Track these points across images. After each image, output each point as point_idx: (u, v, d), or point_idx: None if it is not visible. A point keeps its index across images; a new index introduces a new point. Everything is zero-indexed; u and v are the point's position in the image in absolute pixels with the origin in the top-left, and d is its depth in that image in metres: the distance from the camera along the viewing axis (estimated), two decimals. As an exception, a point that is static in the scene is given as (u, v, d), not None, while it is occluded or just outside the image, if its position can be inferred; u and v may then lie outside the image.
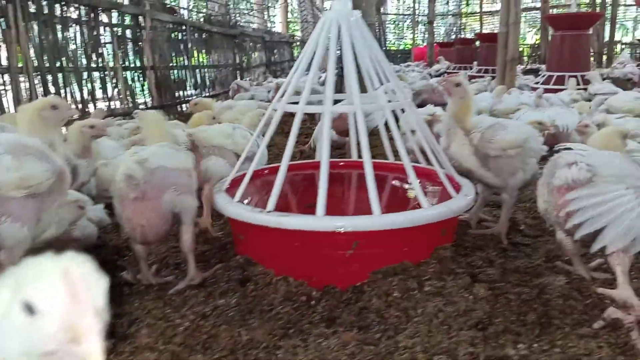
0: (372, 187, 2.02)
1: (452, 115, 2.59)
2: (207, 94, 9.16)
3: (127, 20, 6.80)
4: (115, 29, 6.49)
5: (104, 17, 6.21)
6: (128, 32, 6.85)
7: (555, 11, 18.34)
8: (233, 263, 2.23)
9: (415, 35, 23.69)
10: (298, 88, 2.40)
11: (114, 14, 6.46)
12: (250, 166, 2.35)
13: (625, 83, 10.00)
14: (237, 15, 12.70)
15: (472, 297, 1.97)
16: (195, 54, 8.91)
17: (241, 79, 10.47)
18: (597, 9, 15.64)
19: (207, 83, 9.34)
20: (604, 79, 10.36)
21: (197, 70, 8.90)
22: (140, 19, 6.97)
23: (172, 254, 2.58)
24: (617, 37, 19.73)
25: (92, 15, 5.86)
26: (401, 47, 25.29)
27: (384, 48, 11.38)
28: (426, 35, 18.81)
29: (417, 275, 2.04)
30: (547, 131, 3.59)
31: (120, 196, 2.07)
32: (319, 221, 1.96)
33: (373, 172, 2.05)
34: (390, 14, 25.43)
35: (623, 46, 20.69)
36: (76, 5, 5.58)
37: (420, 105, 5.90)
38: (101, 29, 6.15)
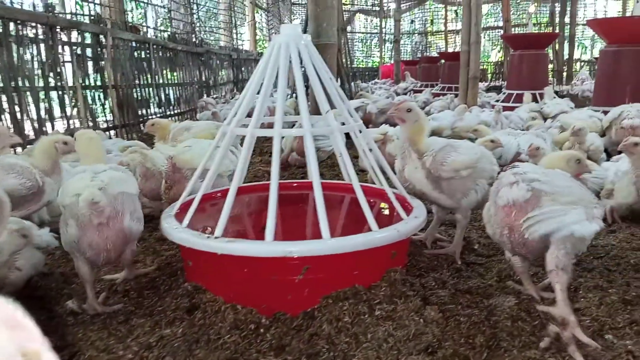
0: (321, 210, 2.00)
1: (407, 139, 2.61)
2: (172, 113, 9.07)
3: (88, 38, 6.69)
4: (74, 47, 6.37)
5: (63, 36, 6.10)
6: (89, 51, 6.74)
7: (517, 30, 18.90)
8: (181, 291, 2.17)
9: (383, 53, 24.07)
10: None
11: (73, 33, 6.34)
12: (200, 190, 2.31)
13: (583, 101, 10.34)
14: (204, 33, 12.66)
15: (422, 320, 1.95)
16: (160, 72, 8.81)
17: (207, 96, 10.41)
18: (557, 28, 16.20)
19: (172, 101, 9.25)
20: (563, 96, 10.70)
21: (162, 89, 8.80)
22: (101, 37, 6.87)
23: (121, 281, 2.50)
24: (576, 55, 20.45)
25: (50, 34, 5.74)
26: (369, 65, 25.67)
27: (351, 66, 11.49)
28: (393, 54, 19.12)
29: (367, 299, 2.02)
30: (499, 147, 3.66)
31: (82, 222, 2.03)
32: (267, 247, 1.93)
33: (322, 195, 2.04)
34: (357, 32, 25.81)
35: (582, 64, 21.44)
36: (33, 24, 5.47)
37: (384, 123, 5.98)
38: (60, 47, 6.03)
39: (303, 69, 2.38)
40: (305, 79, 2.43)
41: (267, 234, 1.96)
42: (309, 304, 2.00)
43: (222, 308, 2.01)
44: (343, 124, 2.43)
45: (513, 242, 2.04)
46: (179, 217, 2.30)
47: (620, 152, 3.47)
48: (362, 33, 26.24)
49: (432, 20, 25.07)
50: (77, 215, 2.02)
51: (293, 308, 2.00)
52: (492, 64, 21.82)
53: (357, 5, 24.85)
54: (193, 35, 10.86)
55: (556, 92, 10.62)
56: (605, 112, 5.14)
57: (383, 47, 23.96)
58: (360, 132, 2.43)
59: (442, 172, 2.52)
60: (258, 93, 2.42)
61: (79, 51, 6.46)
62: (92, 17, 6.91)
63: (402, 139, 2.64)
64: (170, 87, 9.21)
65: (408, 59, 21.83)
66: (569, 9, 16.48)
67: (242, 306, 2.00)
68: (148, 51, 8.29)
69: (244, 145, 2.18)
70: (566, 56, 16.69)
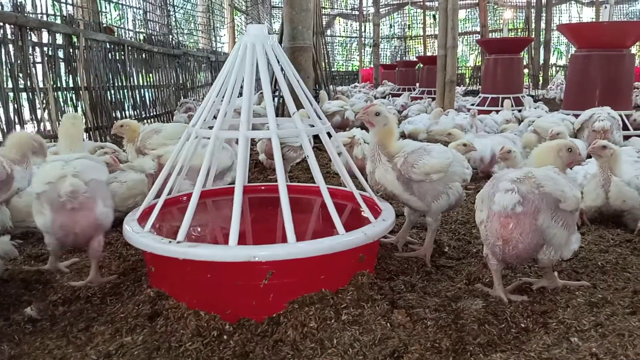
0: (286, 213, 1.96)
1: (377, 142, 2.59)
2: (148, 115, 8.93)
3: (60, 39, 6.54)
4: (45, 48, 6.23)
5: (33, 36, 5.96)
6: (61, 52, 6.59)
7: (494, 35, 19.15)
8: (143, 297, 2.11)
9: (363, 57, 24.16)
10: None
11: (45, 33, 6.20)
12: (163, 193, 2.26)
13: (560, 104, 10.51)
14: (181, 35, 12.53)
15: (389, 324, 1.93)
16: (136, 74, 8.67)
17: (184, 98, 10.30)
18: (533, 34, 16.45)
19: (148, 104, 9.11)
20: (539, 100, 10.84)
21: (137, 91, 8.67)
22: (74, 38, 6.73)
23: (84, 287, 2.43)
24: (552, 60, 20.80)
25: (20, 34, 5.60)
26: (349, 69, 25.76)
27: (330, 69, 11.50)
28: (372, 57, 19.20)
29: (334, 304, 1.99)
30: (472, 151, 3.67)
31: (56, 205, 2.20)
32: (230, 251, 1.88)
33: (288, 198, 2.00)
34: (337, 36, 25.87)
35: (558, 69, 21.81)
36: (1, 24, 5.33)
37: (361, 126, 5.97)
38: (30, 48, 5.88)
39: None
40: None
41: (230, 239, 1.91)
42: (274, 310, 1.96)
43: (185, 314, 1.96)
44: (312, 126, 2.40)
45: (506, 253, 2.10)
46: (141, 221, 2.24)
47: (590, 156, 3.50)
48: (342, 37, 26.31)
49: (409, 25, 25.27)
50: (52, 200, 2.18)
51: (258, 314, 1.96)
52: (470, 68, 22.05)
53: (336, 9, 24.91)
54: (170, 37, 10.73)
55: (532, 96, 10.79)
56: (576, 116, 5.21)
57: (363, 51, 24.06)
58: (329, 134, 2.40)
59: (413, 175, 2.50)
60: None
61: (50, 52, 6.31)
62: (64, 18, 6.77)
63: (372, 142, 2.62)
64: (146, 89, 9.07)
65: (387, 63, 21.95)
66: (544, 14, 16.75)
67: (206, 312, 1.95)
68: (123, 53, 8.16)
69: (208, 148, 2.14)
70: (542, 61, 16.97)
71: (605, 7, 6.40)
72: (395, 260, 2.68)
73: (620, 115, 5.41)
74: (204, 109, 2.30)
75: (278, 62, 2.29)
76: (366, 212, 2.26)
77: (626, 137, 5.19)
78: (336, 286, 2.05)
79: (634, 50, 6.68)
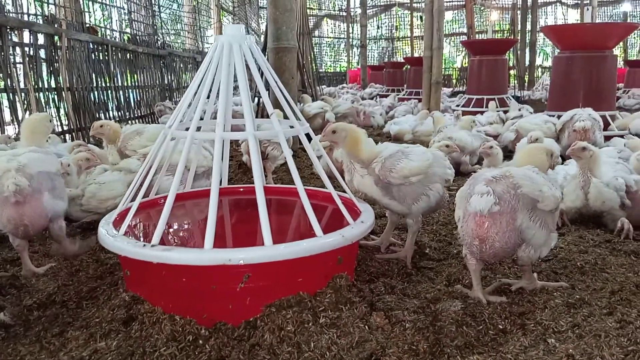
0: (263, 215, 1.94)
1: (348, 155, 2.59)
2: (132, 116, 8.86)
3: (41, 39, 6.45)
4: (27, 48, 6.14)
5: (14, 36, 5.88)
6: (43, 52, 6.51)
7: (481, 36, 19.27)
8: (118, 301, 2.07)
9: (351, 58, 24.19)
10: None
11: (26, 33, 6.12)
12: (138, 196, 2.23)
13: (544, 105, 10.60)
14: (167, 35, 12.44)
15: (367, 327, 1.92)
16: (120, 75, 8.59)
17: (170, 100, 10.24)
18: (518, 35, 16.57)
19: (132, 105, 9.03)
20: (525, 101, 10.92)
21: (121, 91, 8.58)
22: (56, 38, 6.64)
23: (60, 291, 2.39)
24: (538, 62, 20.94)
25: (0, 34, 5.52)
26: (337, 70, 25.79)
27: (317, 70, 11.51)
28: (360, 59, 19.24)
29: (312, 307, 1.97)
30: (455, 152, 3.67)
31: (1, 200, 2.23)
32: (205, 254, 1.85)
33: (264, 200, 1.98)
34: (325, 37, 25.89)
35: (543, 70, 21.97)
36: (-21, 23, 5.25)
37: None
38: (11, 48, 5.80)
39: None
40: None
41: (205, 242, 1.89)
42: (251, 313, 1.94)
43: (160, 319, 1.93)
44: (292, 127, 2.39)
45: (484, 253, 2.10)
46: (117, 224, 2.20)
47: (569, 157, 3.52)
48: (330, 38, 26.34)
49: (397, 27, 25.34)
50: None
51: (235, 318, 1.94)
52: (457, 69, 22.16)
53: (324, 10, 24.93)
54: (155, 37, 10.65)
55: (517, 98, 10.86)
56: (560, 117, 5.24)
57: (350, 52, 24.08)
58: (308, 135, 2.38)
59: (391, 179, 2.49)
60: (208, 97, 2.36)
61: (31, 52, 6.23)
62: (46, 18, 6.69)
63: (344, 157, 2.61)
64: (130, 90, 9.00)
65: (375, 64, 21.99)
66: (530, 16, 16.87)
67: (181, 317, 1.92)
68: (106, 53, 8.08)
69: (184, 149, 2.11)
70: (528, 62, 17.08)
71: (588, 9, 6.46)
72: (376, 262, 2.67)
73: (604, 116, 5.45)
74: (180, 110, 2.27)
75: (256, 62, 2.27)
76: (345, 214, 2.24)
77: (608, 138, 5.24)
78: (314, 289, 2.03)
79: (616, 51, 6.75)
